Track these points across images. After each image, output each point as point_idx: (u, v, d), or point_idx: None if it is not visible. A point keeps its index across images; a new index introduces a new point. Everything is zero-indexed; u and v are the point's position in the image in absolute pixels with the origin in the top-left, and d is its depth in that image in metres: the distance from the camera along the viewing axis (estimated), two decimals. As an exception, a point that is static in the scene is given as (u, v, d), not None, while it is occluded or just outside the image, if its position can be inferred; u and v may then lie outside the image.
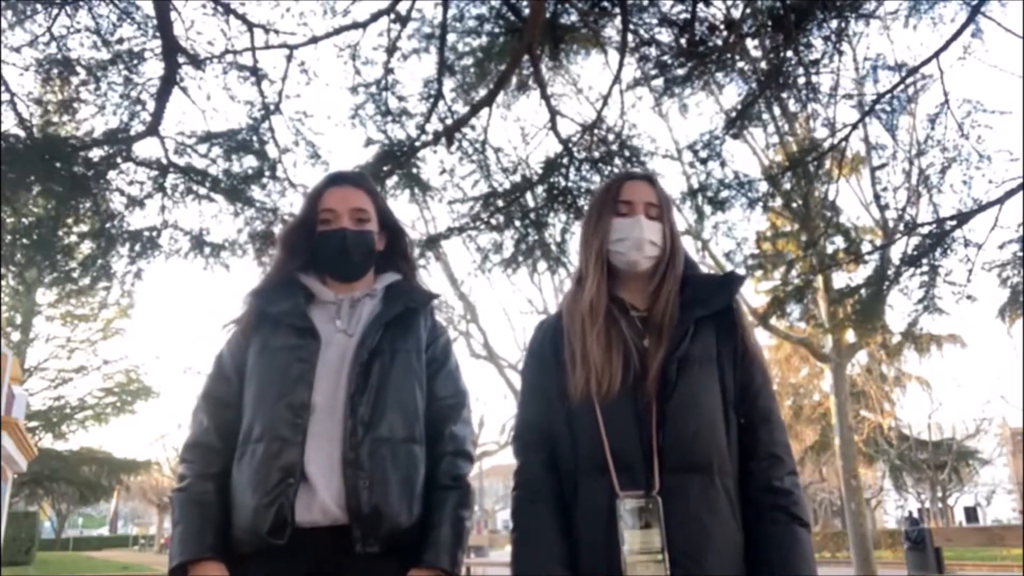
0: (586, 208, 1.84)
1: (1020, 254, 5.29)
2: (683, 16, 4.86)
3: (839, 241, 8.09)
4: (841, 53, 5.00)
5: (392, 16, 5.27)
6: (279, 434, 1.57)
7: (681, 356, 1.46)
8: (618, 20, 5.11)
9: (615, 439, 1.44)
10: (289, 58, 5.11)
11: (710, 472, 1.42)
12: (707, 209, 5.84)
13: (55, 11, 4.67)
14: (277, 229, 5.30)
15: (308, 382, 1.61)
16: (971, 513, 35.20)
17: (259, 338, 1.69)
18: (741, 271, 8.61)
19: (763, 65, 5.20)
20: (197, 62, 4.83)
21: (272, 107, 5.21)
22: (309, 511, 1.54)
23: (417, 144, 5.46)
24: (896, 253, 6.14)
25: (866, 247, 9.27)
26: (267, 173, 5.29)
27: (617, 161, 5.43)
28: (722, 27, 4.84)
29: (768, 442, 1.47)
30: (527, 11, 4.83)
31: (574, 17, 5.45)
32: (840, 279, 10.87)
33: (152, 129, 4.83)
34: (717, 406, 1.46)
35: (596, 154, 5.50)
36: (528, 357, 1.68)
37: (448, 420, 1.72)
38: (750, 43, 5.15)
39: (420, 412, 1.69)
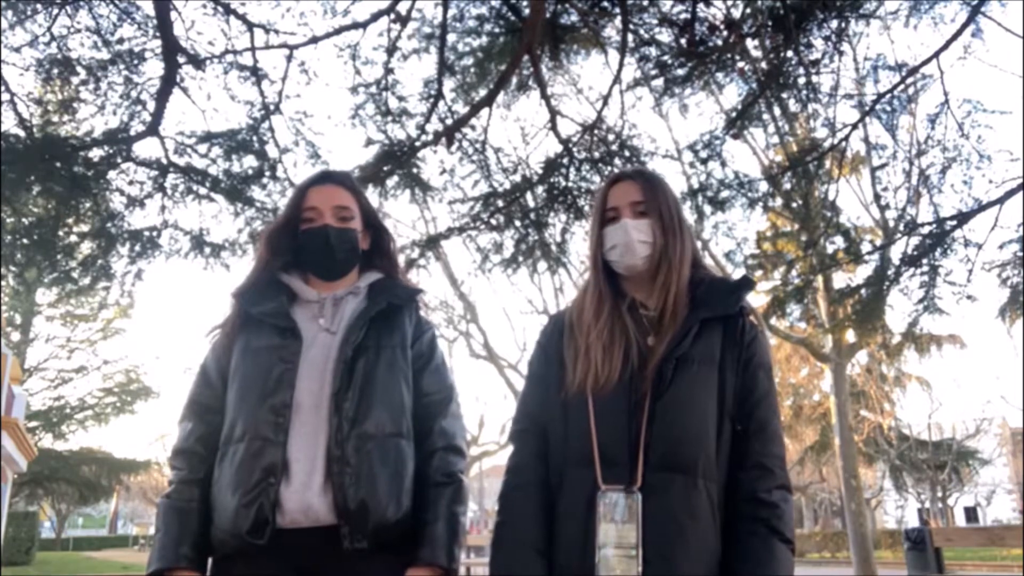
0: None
1: (1020, 254, 5.29)
2: (683, 16, 4.85)
3: (839, 241, 8.08)
4: (841, 53, 5.00)
5: (392, 16, 5.27)
6: (261, 434, 1.57)
7: (679, 355, 1.45)
8: (618, 20, 5.11)
9: (604, 433, 1.44)
10: (289, 58, 5.11)
11: (694, 474, 1.40)
12: (707, 209, 5.83)
13: (55, 11, 4.67)
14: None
15: (290, 382, 1.61)
16: (971, 513, 35.18)
17: (242, 339, 1.69)
18: (741, 271, 8.62)
19: (763, 65, 5.19)
20: (197, 62, 4.83)
21: (272, 107, 5.21)
22: (291, 511, 1.53)
23: (417, 144, 5.46)
24: (896, 253, 6.14)
25: (866, 247, 9.27)
26: (267, 173, 5.28)
27: (617, 161, 5.43)
28: (722, 27, 4.83)
29: (759, 453, 1.44)
30: (527, 11, 4.83)
31: (574, 17, 5.44)
32: (840, 279, 10.88)
33: (152, 129, 4.83)
34: (710, 409, 1.44)
35: (596, 154, 5.50)
36: (536, 348, 1.69)
37: (437, 416, 1.72)
38: (750, 43, 5.15)
39: (407, 407, 1.68)
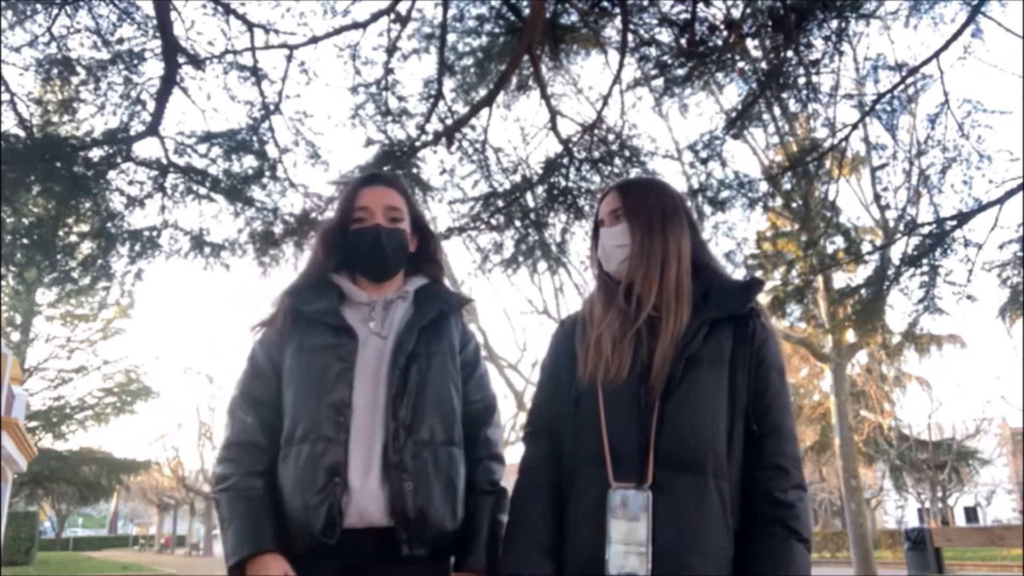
0: None
1: (1020, 254, 5.29)
2: (683, 16, 4.85)
3: (839, 241, 8.09)
4: (841, 53, 4.99)
5: (392, 16, 5.26)
6: (323, 434, 1.58)
7: (689, 355, 1.46)
8: (618, 20, 5.11)
9: (614, 431, 1.46)
10: (289, 58, 5.11)
11: (703, 472, 1.41)
12: (707, 209, 5.82)
13: (55, 11, 4.67)
14: (277, 229, 5.31)
15: (348, 381, 1.62)
16: (971, 513, 35.17)
17: (295, 338, 1.69)
18: (741, 271, 8.61)
19: (763, 65, 5.19)
20: (197, 62, 4.82)
21: (272, 107, 5.20)
22: (347, 515, 1.54)
23: (417, 144, 5.45)
24: (896, 253, 6.13)
25: (866, 247, 9.27)
26: (267, 173, 5.28)
27: (617, 161, 5.43)
28: (722, 27, 4.83)
29: (774, 452, 1.44)
30: (527, 11, 4.83)
31: (574, 17, 5.44)
32: (840, 279, 10.88)
33: (152, 129, 4.83)
34: (720, 409, 1.44)
35: (596, 154, 5.50)
36: (547, 351, 1.71)
37: (482, 424, 1.76)
38: (750, 43, 5.14)
39: (458, 415, 1.70)
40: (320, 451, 1.56)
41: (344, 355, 1.64)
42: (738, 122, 5.61)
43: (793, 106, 6.32)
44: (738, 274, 8.59)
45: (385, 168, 5.30)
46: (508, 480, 1.66)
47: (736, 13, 4.99)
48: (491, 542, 1.63)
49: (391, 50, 5.43)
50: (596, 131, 5.43)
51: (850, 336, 11.10)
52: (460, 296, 1.87)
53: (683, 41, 4.85)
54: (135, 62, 4.86)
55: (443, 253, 1.93)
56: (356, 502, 1.54)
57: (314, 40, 5.12)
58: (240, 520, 1.55)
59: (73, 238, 5.12)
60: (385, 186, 1.82)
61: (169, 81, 4.70)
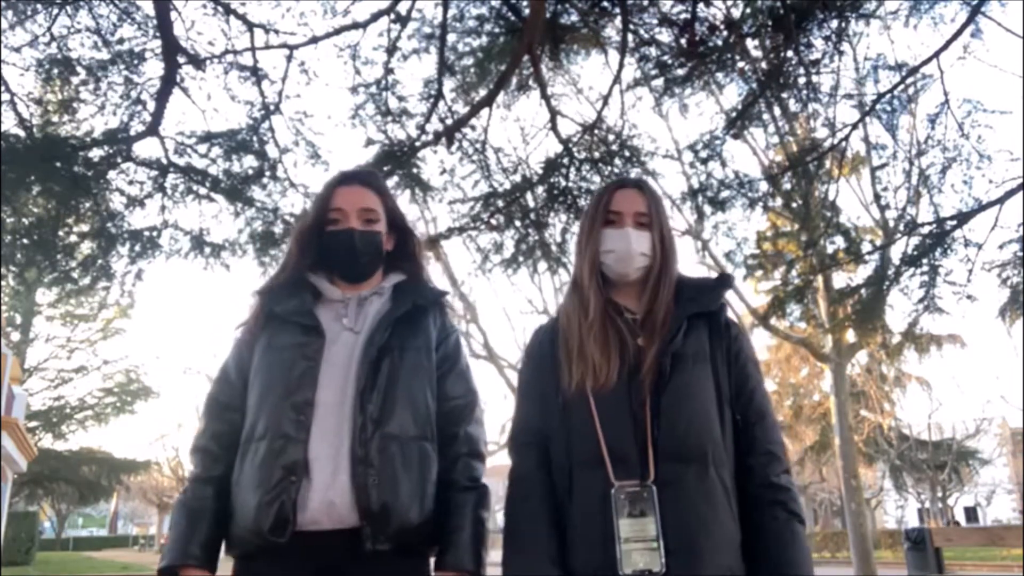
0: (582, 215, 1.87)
1: (1020, 254, 5.28)
2: (683, 16, 4.85)
3: (839, 241, 8.08)
4: (841, 53, 4.99)
5: (392, 16, 5.27)
6: (282, 431, 1.57)
7: (675, 351, 1.49)
8: (618, 20, 5.11)
9: (610, 431, 1.47)
10: (289, 58, 5.11)
11: (705, 463, 1.44)
12: (707, 209, 5.83)
13: (55, 11, 4.67)
14: (277, 229, 5.31)
15: (312, 379, 1.61)
16: (971, 513, 35.18)
17: (265, 336, 1.70)
18: (741, 271, 8.61)
19: (763, 65, 5.19)
20: (197, 62, 4.82)
21: (272, 107, 5.21)
22: (312, 511, 1.53)
23: (417, 144, 5.45)
24: (896, 253, 6.13)
25: (866, 247, 9.26)
26: (267, 173, 5.28)
27: (617, 161, 5.43)
28: (722, 27, 4.84)
29: (764, 440, 1.51)
30: (527, 11, 4.83)
31: (574, 17, 5.44)
32: (840, 279, 10.88)
33: (152, 129, 4.83)
34: (711, 400, 1.49)
35: (596, 154, 5.50)
36: (525, 359, 1.71)
37: (461, 420, 1.72)
38: (750, 43, 5.14)
39: (431, 410, 1.68)
40: (278, 448, 1.55)
41: (310, 353, 1.63)
42: (738, 122, 5.60)
43: (793, 106, 6.31)
44: (739, 274, 8.59)
45: (385, 168, 5.31)
46: (492, 479, 1.64)
47: (736, 13, 4.99)
48: (474, 539, 1.60)
49: (391, 50, 5.43)
50: (596, 131, 5.43)
51: (850, 336, 11.09)
52: (437, 290, 1.85)
53: (683, 41, 4.85)
54: (135, 62, 4.86)
55: (422, 250, 1.90)
56: (323, 498, 1.53)
57: (314, 40, 5.13)
58: (178, 528, 1.59)
59: (73, 238, 5.11)
60: (360, 186, 1.80)
61: (169, 81, 4.70)
